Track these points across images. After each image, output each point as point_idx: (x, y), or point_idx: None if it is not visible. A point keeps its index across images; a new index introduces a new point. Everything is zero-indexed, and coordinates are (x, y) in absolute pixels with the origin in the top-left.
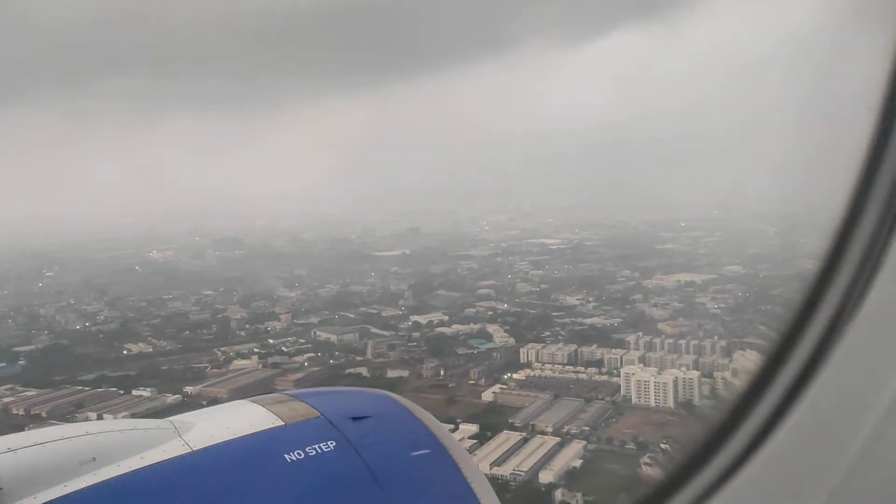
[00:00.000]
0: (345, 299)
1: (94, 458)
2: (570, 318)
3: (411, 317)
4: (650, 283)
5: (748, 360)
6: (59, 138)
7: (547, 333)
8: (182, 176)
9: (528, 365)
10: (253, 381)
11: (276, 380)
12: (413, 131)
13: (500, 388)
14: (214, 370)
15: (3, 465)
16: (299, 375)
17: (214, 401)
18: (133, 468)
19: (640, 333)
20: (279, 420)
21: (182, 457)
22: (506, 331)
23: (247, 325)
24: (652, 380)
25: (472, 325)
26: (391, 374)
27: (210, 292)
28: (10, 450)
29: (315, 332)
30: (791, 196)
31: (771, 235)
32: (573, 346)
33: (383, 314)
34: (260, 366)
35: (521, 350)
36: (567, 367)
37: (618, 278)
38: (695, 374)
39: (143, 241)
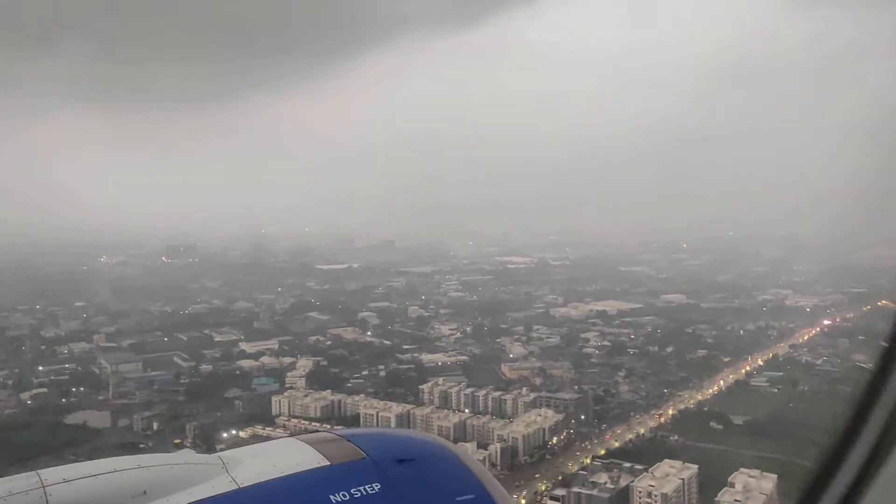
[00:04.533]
0: (204, 318)
1: (145, 492)
2: (412, 355)
3: (240, 343)
4: (560, 311)
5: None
6: None
7: (365, 373)
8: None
9: (273, 419)
10: None
11: None
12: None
13: None
14: None
15: (57, 496)
16: None
17: None
18: (182, 503)
19: (437, 379)
20: (325, 460)
21: (230, 493)
22: (318, 366)
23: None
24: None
25: (282, 359)
26: (70, 420)
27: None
28: (65, 480)
29: (100, 360)
30: None
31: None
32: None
33: (215, 339)
34: None
35: (274, 399)
36: (318, 423)
37: (533, 304)
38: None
39: None
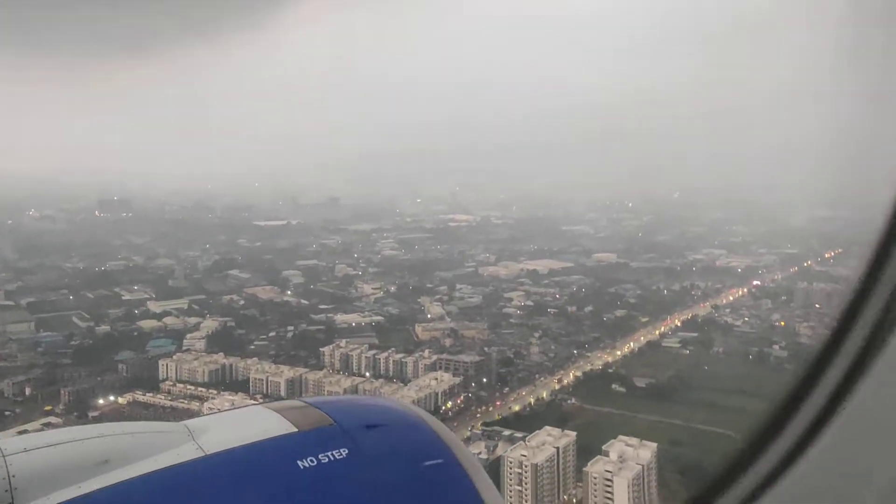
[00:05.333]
0: (117, 276)
1: (108, 460)
2: (326, 315)
3: (148, 303)
4: (490, 270)
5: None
6: None
7: (272, 334)
8: None
9: (158, 384)
10: None
11: None
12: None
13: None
14: None
15: (18, 465)
16: None
17: None
18: (146, 471)
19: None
20: (293, 426)
21: (195, 461)
22: (224, 327)
23: None
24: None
25: (186, 320)
26: None
27: None
28: (25, 450)
29: None
30: None
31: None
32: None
33: (123, 297)
34: None
35: (162, 363)
36: (205, 388)
37: (465, 263)
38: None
39: None
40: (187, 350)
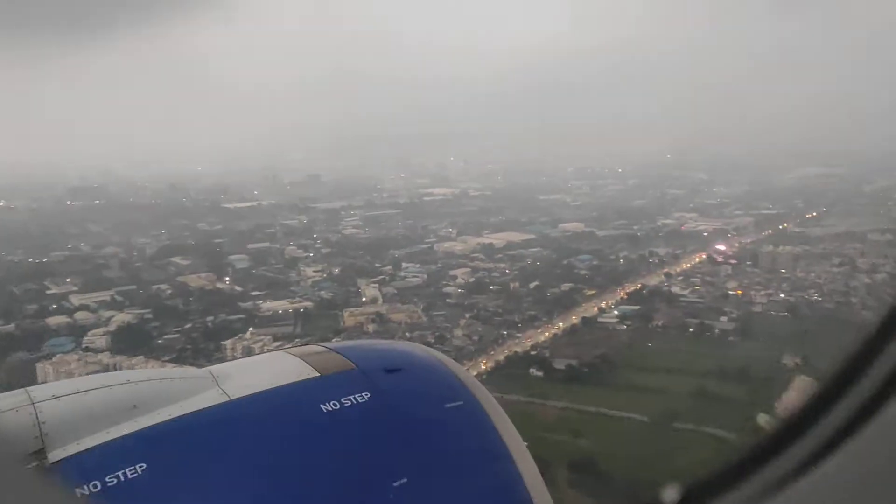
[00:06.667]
0: (55, 267)
1: (135, 406)
2: (254, 302)
3: (70, 296)
4: (445, 245)
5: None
6: None
7: (188, 326)
8: None
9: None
10: None
11: None
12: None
13: None
14: None
15: (47, 412)
16: None
17: None
18: (172, 416)
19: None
20: (315, 371)
21: (220, 405)
22: (140, 320)
23: None
24: None
25: (101, 314)
26: None
27: None
28: (54, 396)
29: None
30: None
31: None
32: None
33: (49, 291)
34: None
35: (39, 367)
36: None
37: (425, 239)
38: None
39: None
40: (86, 349)
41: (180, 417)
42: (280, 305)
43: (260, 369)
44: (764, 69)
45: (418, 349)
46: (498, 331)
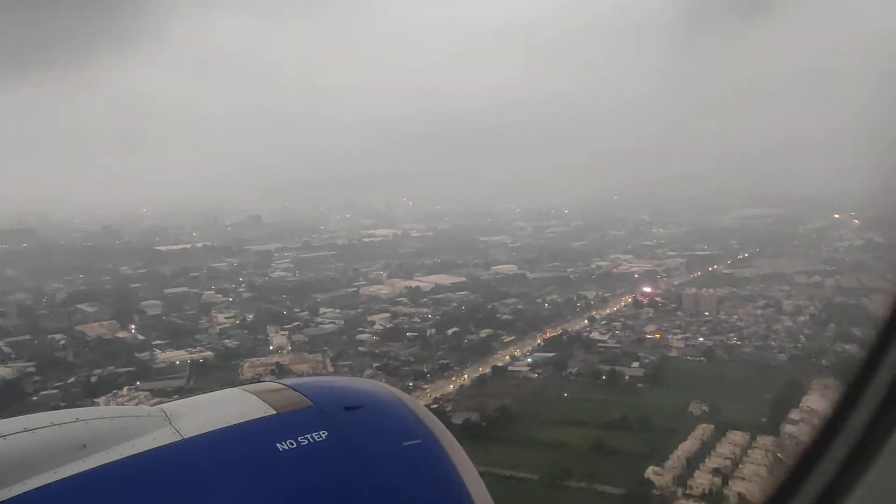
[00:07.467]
0: None
1: (85, 445)
2: (152, 352)
3: None
4: (371, 289)
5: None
6: None
7: (72, 380)
8: None
9: None
10: None
11: None
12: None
13: None
14: None
15: None
16: None
17: None
18: (124, 455)
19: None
20: (271, 409)
21: (173, 444)
22: (22, 373)
23: None
24: None
25: None
26: None
27: None
28: (1, 435)
29: None
30: None
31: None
32: None
33: None
34: None
35: None
36: None
37: (353, 282)
38: None
39: None
40: None
41: (131, 457)
42: (178, 356)
43: (214, 407)
44: (714, 108)
45: (377, 386)
46: (403, 382)
